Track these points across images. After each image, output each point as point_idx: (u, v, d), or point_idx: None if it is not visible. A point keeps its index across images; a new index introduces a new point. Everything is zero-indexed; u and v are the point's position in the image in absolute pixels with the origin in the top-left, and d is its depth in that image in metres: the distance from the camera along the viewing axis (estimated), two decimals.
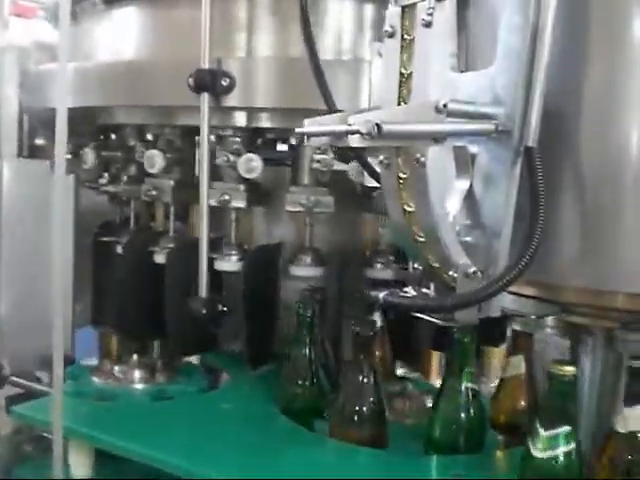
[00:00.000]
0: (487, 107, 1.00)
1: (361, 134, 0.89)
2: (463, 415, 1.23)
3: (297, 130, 0.95)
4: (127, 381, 1.58)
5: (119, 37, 1.61)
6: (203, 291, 1.43)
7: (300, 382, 1.37)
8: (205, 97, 1.40)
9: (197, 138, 1.56)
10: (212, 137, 1.45)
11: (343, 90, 1.35)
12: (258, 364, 1.53)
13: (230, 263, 1.50)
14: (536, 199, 0.94)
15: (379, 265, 1.55)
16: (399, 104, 1.02)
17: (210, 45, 1.39)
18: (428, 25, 0.94)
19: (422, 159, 0.97)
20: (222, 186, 1.48)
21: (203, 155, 1.42)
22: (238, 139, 1.46)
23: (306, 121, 0.99)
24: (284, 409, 1.39)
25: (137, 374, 1.59)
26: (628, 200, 0.96)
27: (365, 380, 1.24)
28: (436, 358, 1.66)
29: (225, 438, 1.30)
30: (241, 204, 1.48)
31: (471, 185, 1.06)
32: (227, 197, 1.45)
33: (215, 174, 1.50)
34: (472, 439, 1.24)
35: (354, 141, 0.91)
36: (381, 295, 0.99)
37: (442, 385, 1.27)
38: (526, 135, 0.95)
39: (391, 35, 1.03)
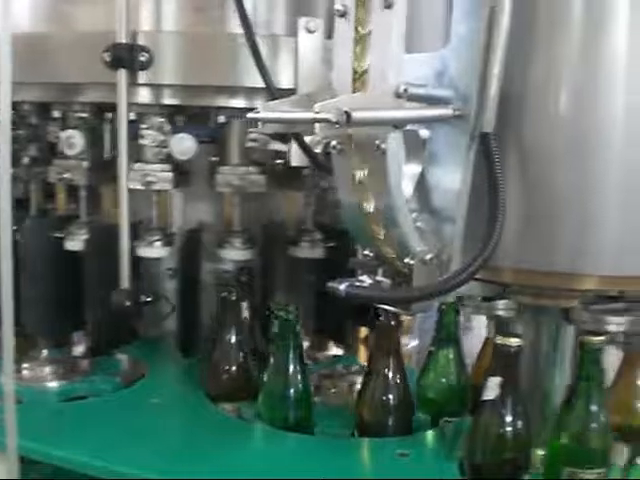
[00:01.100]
0: (442, 91, 1.00)
1: (330, 122, 0.87)
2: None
3: (255, 116, 0.91)
4: (37, 380, 1.48)
5: (17, 8, 1.48)
6: (125, 282, 1.37)
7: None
8: (123, 73, 1.32)
9: (109, 115, 1.49)
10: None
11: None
12: (190, 351, 1.49)
13: (154, 249, 1.44)
14: (495, 185, 0.95)
15: (305, 244, 1.54)
16: (353, 88, 0.99)
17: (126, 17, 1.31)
18: (389, 6, 0.92)
19: (382, 145, 0.95)
20: (143, 167, 1.41)
21: (122, 135, 1.34)
22: (162, 118, 1.39)
23: (260, 106, 0.95)
24: (212, 397, 1.36)
25: (48, 371, 1.50)
26: (567, 184, 0.99)
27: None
28: (363, 333, 1.67)
29: (150, 432, 1.25)
30: (167, 186, 1.41)
31: (423, 170, 1.07)
32: (151, 179, 1.38)
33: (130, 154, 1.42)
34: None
35: (322, 130, 0.88)
36: (342, 287, 0.98)
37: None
38: (482, 121, 0.96)
39: (342, 15, 1.00)
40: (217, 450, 1.18)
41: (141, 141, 1.40)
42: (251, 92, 1.38)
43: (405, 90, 0.93)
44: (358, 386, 1.39)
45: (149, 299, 1.39)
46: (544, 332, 1.16)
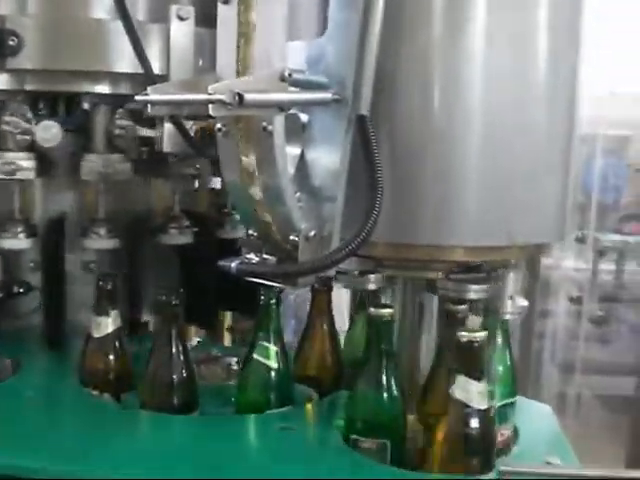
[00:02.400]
0: (320, 77, 1.07)
1: (223, 103, 0.91)
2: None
3: (147, 98, 0.93)
4: None
5: None
6: None
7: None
8: None
9: None
10: None
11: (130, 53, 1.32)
12: (56, 344, 1.47)
13: (19, 241, 1.40)
14: (372, 165, 1.03)
15: (173, 231, 1.56)
16: (238, 73, 1.04)
17: None
18: None
19: (269, 127, 1.01)
20: (5, 156, 1.37)
21: None
22: (25, 105, 1.36)
23: (149, 89, 0.97)
24: (90, 387, 1.35)
25: None
26: (432, 164, 1.09)
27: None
28: (227, 319, 1.72)
29: (28, 426, 1.23)
30: (30, 175, 1.38)
31: (303, 151, 1.13)
32: (14, 168, 1.35)
33: None
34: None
35: (215, 110, 0.92)
36: (233, 265, 1.03)
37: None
38: (358, 104, 1.04)
39: (225, 1, 1.04)
40: (103, 440, 1.18)
41: (4, 128, 1.36)
42: (116, 78, 1.38)
43: (290, 75, 0.99)
44: (235, 367, 1.45)
45: (21, 290, 1.35)
46: (411, 302, 1.26)
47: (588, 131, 3.60)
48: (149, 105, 0.97)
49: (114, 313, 1.32)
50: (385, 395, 1.16)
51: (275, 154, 1.03)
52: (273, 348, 1.29)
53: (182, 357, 1.26)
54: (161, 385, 1.26)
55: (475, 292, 1.16)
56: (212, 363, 1.54)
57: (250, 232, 1.14)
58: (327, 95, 1.04)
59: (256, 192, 1.08)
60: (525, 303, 1.27)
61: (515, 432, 1.30)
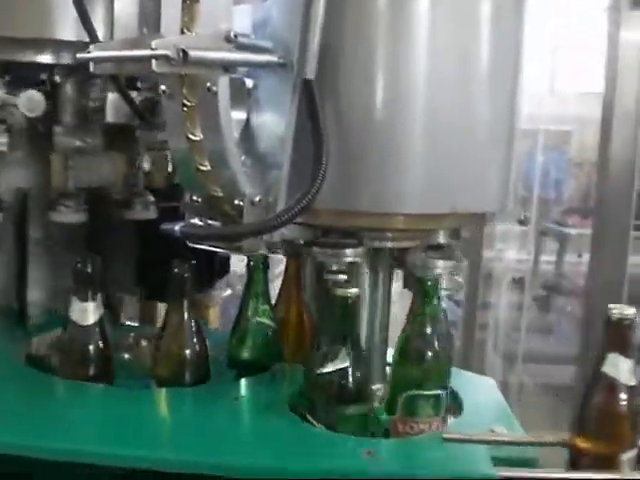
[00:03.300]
0: (265, 41, 1.08)
1: (167, 59, 0.91)
2: (188, 351, 1.27)
3: (89, 55, 0.93)
4: None
5: None
6: None
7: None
8: None
9: None
10: None
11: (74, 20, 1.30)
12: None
13: None
14: (318, 130, 1.05)
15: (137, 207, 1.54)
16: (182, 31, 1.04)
17: None
18: None
19: (214, 88, 1.02)
20: None
21: None
22: None
23: (92, 47, 0.97)
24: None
25: None
26: (376, 132, 1.11)
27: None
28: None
29: None
30: (3, 148, 1.34)
31: (249, 117, 1.14)
32: None
33: None
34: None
35: (158, 66, 0.92)
36: (177, 227, 1.03)
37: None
38: (304, 69, 1.05)
39: None
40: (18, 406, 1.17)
41: None
42: (60, 46, 1.36)
43: (235, 36, 1.00)
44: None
45: None
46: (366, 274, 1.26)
47: (530, 127, 3.67)
48: (92, 64, 0.97)
49: (98, 297, 1.28)
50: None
51: (220, 116, 1.04)
52: (266, 307, 1.33)
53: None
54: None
55: (441, 268, 1.19)
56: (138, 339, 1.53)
57: (194, 198, 1.14)
58: (272, 58, 1.05)
59: (201, 156, 1.09)
60: (461, 280, 1.30)
61: (459, 404, 1.32)
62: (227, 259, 1.70)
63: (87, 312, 1.25)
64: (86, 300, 1.24)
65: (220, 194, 1.11)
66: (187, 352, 1.26)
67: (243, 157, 1.11)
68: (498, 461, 1.15)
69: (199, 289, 1.55)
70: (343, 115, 1.11)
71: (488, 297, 3.21)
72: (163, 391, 1.26)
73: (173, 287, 1.25)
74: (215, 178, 1.10)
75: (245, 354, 1.35)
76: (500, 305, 3.46)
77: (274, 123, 1.10)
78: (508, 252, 3.52)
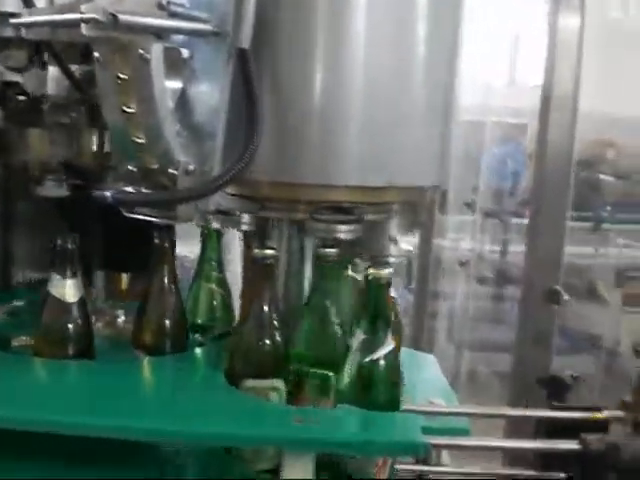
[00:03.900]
0: (199, 12, 1.09)
1: (97, 22, 0.92)
2: (168, 321, 1.31)
3: (20, 20, 0.93)
4: None
5: None
6: None
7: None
8: None
9: None
10: None
11: None
12: None
13: None
14: (252, 100, 1.06)
15: (50, 183, 1.53)
16: None
17: None
18: None
19: (146, 55, 1.02)
20: None
21: None
22: None
23: (23, 11, 0.97)
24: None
25: None
26: (315, 102, 1.13)
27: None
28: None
29: None
30: None
31: (184, 86, 1.15)
32: None
33: None
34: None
35: (88, 30, 0.93)
36: (109, 193, 1.03)
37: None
38: (239, 38, 1.07)
39: None
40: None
41: None
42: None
43: (168, 3, 1.01)
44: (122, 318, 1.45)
45: None
46: (289, 243, 1.29)
47: (485, 119, 3.73)
48: (23, 29, 0.97)
49: (79, 274, 1.28)
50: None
51: (153, 85, 1.04)
52: (218, 274, 1.37)
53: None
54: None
55: (344, 232, 1.20)
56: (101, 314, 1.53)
57: (129, 167, 1.15)
58: (207, 27, 1.06)
59: (136, 128, 1.09)
60: (410, 248, 1.33)
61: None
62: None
63: (68, 289, 1.24)
64: (66, 277, 1.24)
65: (156, 165, 1.12)
66: (167, 321, 1.30)
67: (178, 126, 1.11)
68: (430, 430, 1.18)
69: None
70: (283, 88, 1.13)
71: (440, 286, 3.24)
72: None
73: (155, 256, 1.28)
74: (151, 149, 1.11)
75: (197, 319, 1.39)
76: (452, 294, 3.51)
77: (210, 93, 1.11)
78: (461, 242, 3.57)
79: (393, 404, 1.15)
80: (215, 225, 1.26)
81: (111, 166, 1.51)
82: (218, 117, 1.10)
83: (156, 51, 1.03)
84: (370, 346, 1.14)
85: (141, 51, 1.02)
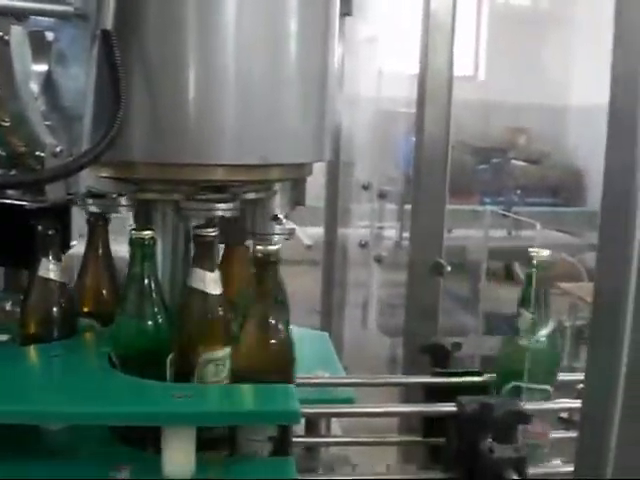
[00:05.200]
0: None
1: None
2: (55, 309, 1.30)
3: None
4: None
5: None
6: None
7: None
8: None
9: None
10: None
11: None
12: None
13: None
14: (116, 80, 1.08)
15: None
16: None
17: None
18: None
19: (6, 37, 1.03)
20: None
21: None
22: None
23: None
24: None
25: None
26: (189, 81, 1.15)
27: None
28: None
29: None
30: None
31: (50, 69, 1.16)
32: None
33: None
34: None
35: None
36: None
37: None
38: (102, 19, 1.08)
39: None
40: None
41: None
42: None
43: None
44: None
45: None
46: (164, 225, 1.30)
47: (404, 110, 3.80)
48: None
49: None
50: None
51: (13, 67, 1.05)
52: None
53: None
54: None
55: (221, 211, 1.23)
56: None
57: None
58: (68, 8, 1.08)
59: (1, 111, 1.10)
60: (292, 225, 1.37)
61: None
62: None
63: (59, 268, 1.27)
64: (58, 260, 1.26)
65: (23, 149, 1.13)
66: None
67: (43, 108, 1.13)
68: (314, 401, 1.23)
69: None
70: (155, 68, 1.15)
71: (346, 274, 3.27)
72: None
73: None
74: (16, 132, 1.11)
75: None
76: (362, 281, 3.56)
77: (76, 76, 1.13)
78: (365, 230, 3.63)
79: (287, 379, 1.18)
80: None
81: None
82: (85, 99, 1.11)
83: (16, 34, 1.04)
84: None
85: (0, 33, 1.03)
